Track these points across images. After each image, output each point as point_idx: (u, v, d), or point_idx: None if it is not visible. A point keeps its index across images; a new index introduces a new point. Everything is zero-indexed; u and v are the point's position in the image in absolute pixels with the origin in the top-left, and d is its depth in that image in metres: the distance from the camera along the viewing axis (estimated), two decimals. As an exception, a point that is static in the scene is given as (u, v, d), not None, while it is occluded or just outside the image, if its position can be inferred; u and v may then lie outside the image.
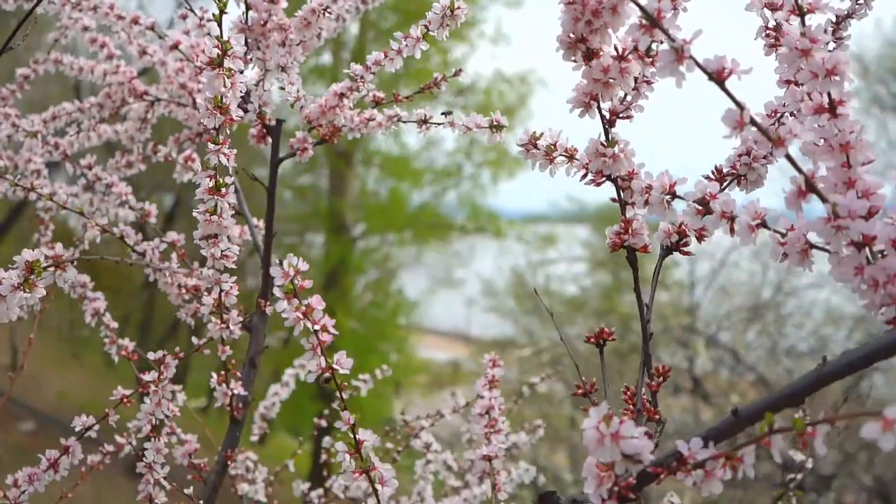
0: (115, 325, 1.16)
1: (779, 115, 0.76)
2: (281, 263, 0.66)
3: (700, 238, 0.73)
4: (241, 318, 0.98)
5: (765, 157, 0.74)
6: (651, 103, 0.72)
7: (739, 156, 0.75)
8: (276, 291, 0.66)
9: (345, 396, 0.70)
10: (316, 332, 0.67)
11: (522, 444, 1.53)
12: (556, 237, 11.00)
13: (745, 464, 0.53)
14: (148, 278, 1.13)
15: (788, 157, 0.55)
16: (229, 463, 1.05)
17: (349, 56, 9.85)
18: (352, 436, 0.70)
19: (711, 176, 0.75)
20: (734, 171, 0.75)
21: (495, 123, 0.89)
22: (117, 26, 1.18)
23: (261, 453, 1.62)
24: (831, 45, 0.78)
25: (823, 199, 0.55)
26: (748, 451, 0.53)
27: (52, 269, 0.72)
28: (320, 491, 1.54)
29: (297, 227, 11.46)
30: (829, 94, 0.58)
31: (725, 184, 0.75)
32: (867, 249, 0.55)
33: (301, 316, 0.66)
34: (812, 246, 0.59)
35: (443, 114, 1.00)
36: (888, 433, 0.44)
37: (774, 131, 0.55)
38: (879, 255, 0.57)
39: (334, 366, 0.68)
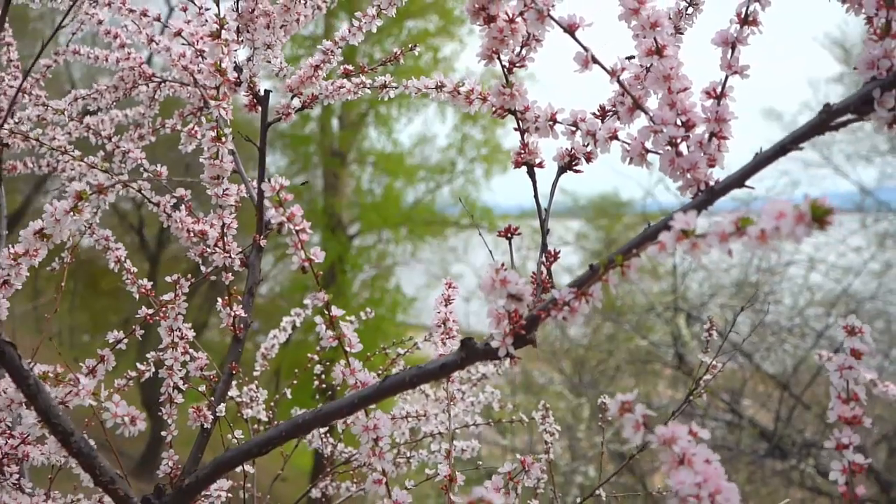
0: (135, 269, 1.38)
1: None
2: (270, 181, 0.89)
3: (588, 159, 0.96)
4: (241, 250, 1.21)
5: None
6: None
7: (617, 95, 0.98)
8: (266, 202, 0.89)
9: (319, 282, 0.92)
10: (297, 231, 0.90)
11: (490, 374, 1.76)
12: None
13: (594, 297, 0.76)
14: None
15: (619, 83, 0.78)
16: (234, 372, 1.27)
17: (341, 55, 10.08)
18: (326, 312, 0.93)
19: (596, 112, 0.98)
20: (614, 108, 0.98)
21: (439, 84, 1.12)
22: (128, 19, 1.40)
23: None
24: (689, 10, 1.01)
25: (646, 113, 0.79)
26: (596, 288, 0.76)
27: (95, 195, 0.95)
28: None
29: (294, 227, 11.65)
30: (655, 41, 0.81)
31: (607, 118, 0.98)
32: (678, 147, 0.78)
33: (286, 220, 0.89)
34: (647, 151, 0.82)
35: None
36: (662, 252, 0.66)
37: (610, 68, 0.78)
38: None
39: (311, 256, 0.91)
